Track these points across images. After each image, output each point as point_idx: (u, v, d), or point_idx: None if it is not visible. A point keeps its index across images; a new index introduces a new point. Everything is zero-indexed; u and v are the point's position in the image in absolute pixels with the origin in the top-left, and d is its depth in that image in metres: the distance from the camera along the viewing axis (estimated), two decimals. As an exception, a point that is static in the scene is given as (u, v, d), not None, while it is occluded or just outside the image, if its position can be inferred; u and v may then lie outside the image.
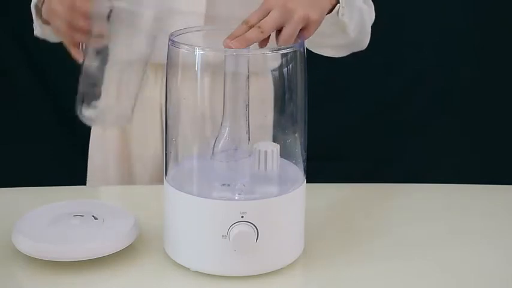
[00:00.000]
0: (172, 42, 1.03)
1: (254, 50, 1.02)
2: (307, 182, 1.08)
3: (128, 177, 1.42)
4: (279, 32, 1.04)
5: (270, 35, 1.04)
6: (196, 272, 1.03)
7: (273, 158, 1.04)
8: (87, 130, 2.13)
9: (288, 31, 1.03)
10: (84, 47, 1.16)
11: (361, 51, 1.38)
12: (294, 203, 1.05)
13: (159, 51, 1.25)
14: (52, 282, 1.03)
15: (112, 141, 1.42)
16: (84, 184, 1.39)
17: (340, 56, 1.35)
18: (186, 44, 1.01)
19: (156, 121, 1.39)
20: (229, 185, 1.03)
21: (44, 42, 2.09)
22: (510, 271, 1.08)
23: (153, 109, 1.38)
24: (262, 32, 1.02)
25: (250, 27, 1.02)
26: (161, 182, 1.07)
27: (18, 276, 1.05)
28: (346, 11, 1.17)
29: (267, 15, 1.03)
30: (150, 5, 1.26)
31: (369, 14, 1.33)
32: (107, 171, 1.42)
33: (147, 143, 1.40)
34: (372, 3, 1.35)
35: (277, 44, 1.04)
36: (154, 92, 1.37)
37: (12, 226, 1.09)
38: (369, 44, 1.38)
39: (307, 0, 1.06)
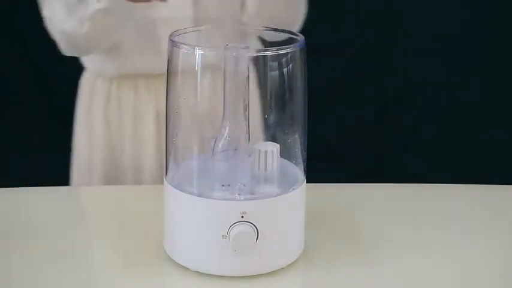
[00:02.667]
0: (172, 42, 1.03)
1: (254, 50, 1.02)
2: (307, 182, 1.08)
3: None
4: None
5: None
6: (196, 272, 1.03)
7: (273, 158, 1.04)
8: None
9: None
10: None
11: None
12: (294, 203, 1.05)
13: (149, 62, 1.28)
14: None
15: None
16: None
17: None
18: (186, 44, 1.01)
19: (151, 138, 1.39)
20: (229, 185, 1.03)
21: (45, 42, 2.09)
22: (510, 271, 1.08)
23: (148, 125, 1.38)
24: None
25: None
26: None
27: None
28: None
29: None
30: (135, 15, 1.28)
31: None
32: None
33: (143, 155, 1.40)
34: None
35: None
36: (148, 105, 1.37)
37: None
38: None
39: None
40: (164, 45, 1.28)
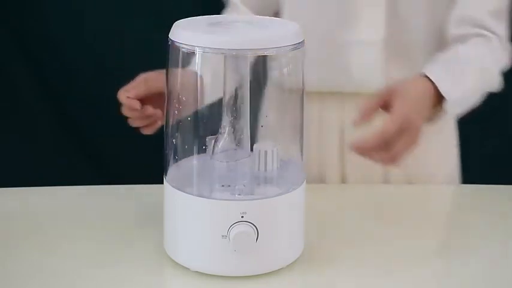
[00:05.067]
0: (172, 42, 1.03)
1: (254, 50, 1.02)
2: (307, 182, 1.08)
3: None
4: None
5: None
6: (196, 272, 1.03)
7: (273, 158, 1.04)
8: (88, 130, 2.14)
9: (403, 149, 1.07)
10: None
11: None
12: (294, 203, 1.05)
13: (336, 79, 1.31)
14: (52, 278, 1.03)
15: None
16: (84, 183, 1.38)
17: None
18: (186, 44, 1.01)
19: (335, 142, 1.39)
20: (229, 185, 1.03)
21: (44, 42, 2.09)
22: (509, 271, 1.08)
23: (332, 132, 1.38)
24: (392, 160, 1.07)
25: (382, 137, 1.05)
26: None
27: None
28: (453, 105, 1.17)
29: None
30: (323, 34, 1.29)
31: (491, 74, 1.26)
32: None
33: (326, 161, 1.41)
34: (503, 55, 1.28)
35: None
36: (333, 116, 1.38)
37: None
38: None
39: (424, 119, 1.10)
40: (354, 66, 1.30)
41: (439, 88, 1.15)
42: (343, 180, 1.39)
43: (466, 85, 1.20)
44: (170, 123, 1.06)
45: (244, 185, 1.03)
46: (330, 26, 1.30)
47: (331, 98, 1.35)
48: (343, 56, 1.30)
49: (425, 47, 1.30)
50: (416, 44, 1.30)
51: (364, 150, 1.06)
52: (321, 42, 1.31)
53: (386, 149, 1.06)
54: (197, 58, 1.01)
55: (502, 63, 1.27)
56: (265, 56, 1.02)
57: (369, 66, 1.30)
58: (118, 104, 1.14)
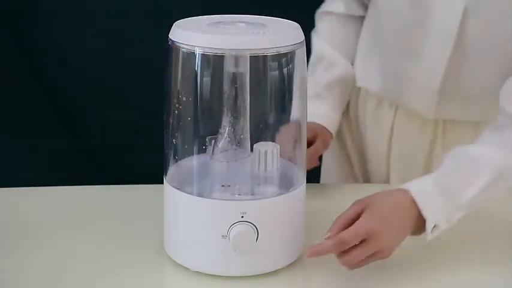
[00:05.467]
0: (172, 42, 1.03)
1: (254, 50, 1.02)
2: (307, 182, 1.08)
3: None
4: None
5: None
6: (196, 272, 1.03)
7: (273, 158, 1.04)
8: (87, 130, 2.14)
9: (359, 258, 1.02)
10: None
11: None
12: (294, 203, 1.05)
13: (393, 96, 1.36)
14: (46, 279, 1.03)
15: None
16: (83, 183, 1.38)
17: None
18: (186, 44, 1.01)
19: (385, 137, 1.41)
20: (229, 185, 1.03)
21: (45, 43, 2.09)
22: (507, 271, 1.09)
23: (385, 128, 1.40)
24: (347, 264, 1.02)
25: (338, 245, 1.00)
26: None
27: None
28: (441, 222, 1.07)
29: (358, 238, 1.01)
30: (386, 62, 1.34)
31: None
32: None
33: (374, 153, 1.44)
34: None
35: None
36: (387, 115, 1.40)
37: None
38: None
39: (396, 237, 1.04)
40: (408, 95, 1.33)
41: (418, 206, 1.05)
42: (387, 179, 1.42)
43: (464, 198, 1.07)
44: (170, 123, 1.06)
45: (244, 185, 1.03)
46: (394, 56, 1.33)
47: (388, 101, 1.40)
48: (401, 84, 1.33)
49: (483, 93, 1.29)
50: (473, 89, 1.29)
51: (319, 254, 1.01)
52: (383, 67, 1.36)
53: (345, 252, 1.02)
54: (197, 58, 1.01)
55: None
56: (266, 56, 1.02)
57: (422, 98, 1.31)
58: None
